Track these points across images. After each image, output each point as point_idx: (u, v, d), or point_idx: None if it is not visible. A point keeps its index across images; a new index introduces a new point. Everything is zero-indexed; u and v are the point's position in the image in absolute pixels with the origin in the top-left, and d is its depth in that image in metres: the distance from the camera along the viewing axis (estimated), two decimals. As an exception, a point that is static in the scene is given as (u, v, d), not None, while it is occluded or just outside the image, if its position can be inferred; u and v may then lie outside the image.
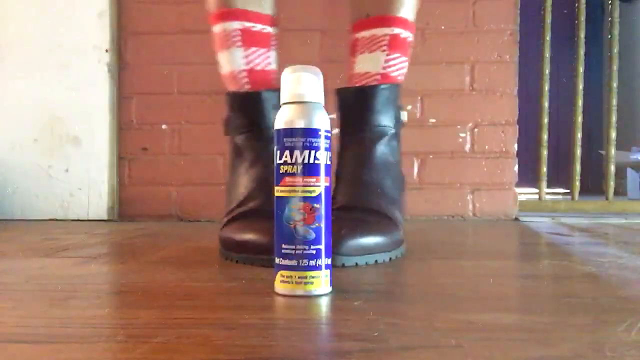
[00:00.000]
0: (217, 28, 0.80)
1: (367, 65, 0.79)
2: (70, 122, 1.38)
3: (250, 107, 0.77)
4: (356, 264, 0.68)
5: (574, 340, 0.39)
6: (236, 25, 0.78)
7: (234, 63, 0.79)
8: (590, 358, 0.35)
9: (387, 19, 0.79)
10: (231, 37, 0.78)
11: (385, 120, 0.78)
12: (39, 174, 1.38)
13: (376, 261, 0.70)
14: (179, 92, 1.41)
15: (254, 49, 0.78)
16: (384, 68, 0.79)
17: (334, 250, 0.66)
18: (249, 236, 0.69)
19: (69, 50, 1.37)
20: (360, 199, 0.75)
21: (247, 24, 0.78)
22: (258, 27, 0.78)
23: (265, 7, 0.79)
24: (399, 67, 0.81)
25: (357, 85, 0.80)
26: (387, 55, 0.79)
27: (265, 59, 0.80)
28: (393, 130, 0.80)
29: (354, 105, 0.78)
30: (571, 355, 0.36)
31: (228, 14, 0.78)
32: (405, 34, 0.80)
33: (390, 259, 0.72)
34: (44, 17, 1.38)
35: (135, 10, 1.41)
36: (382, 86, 0.77)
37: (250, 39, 0.78)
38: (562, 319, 0.44)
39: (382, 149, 0.78)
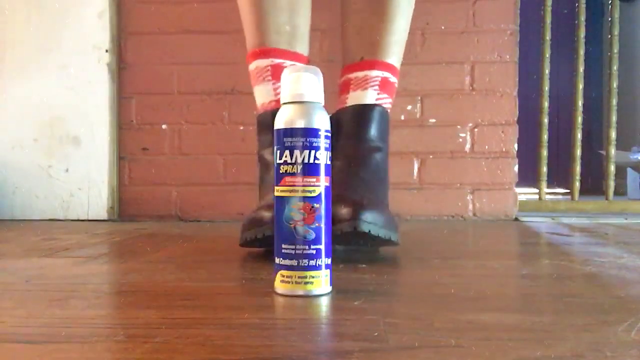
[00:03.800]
0: (252, 66, 0.86)
1: (360, 100, 0.83)
2: (70, 122, 1.38)
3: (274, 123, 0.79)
4: (378, 234, 0.68)
5: (574, 340, 0.39)
6: (267, 62, 0.83)
7: (265, 96, 0.84)
8: (590, 358, 0.35)
9: (380, 64, 0.85)
10: (263, 73, 0.84)
11: (379, 139, 0.82)
12: (39, 174, 1.38)
13: (390, 238, 0.70)
14: (179, 92, 1.41)
15: None
16: (377, 100, 0.84)
17: (357, 216, 0.66)
18: (256, 213, 0.71)
19: (69, 50, 1.37)
20: (358, 190, 0.76)
21: (277, 61, 0.83)
22: (288, 63, 0.83)
23: (296, 46, 0.84)
24: (387, 105, 0.86)
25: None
26: (378, 94, 0.84)
27: None
28: (386, 151, 0.83)
29: (351, 121, 0.81)
30: (571, 355, 0.36)
31: (261, 53, 0.84)
32: (393, 79, 0.87)
33: (397, 240, 0.73)
34: (44, 17, 1.38)
35: (135, 10, 1.41)
36: (378, 108, 0.82)
37: (279, 74, 0.81)
38: (562, 319, 0.44)
39: (375, 160, 0.80)
